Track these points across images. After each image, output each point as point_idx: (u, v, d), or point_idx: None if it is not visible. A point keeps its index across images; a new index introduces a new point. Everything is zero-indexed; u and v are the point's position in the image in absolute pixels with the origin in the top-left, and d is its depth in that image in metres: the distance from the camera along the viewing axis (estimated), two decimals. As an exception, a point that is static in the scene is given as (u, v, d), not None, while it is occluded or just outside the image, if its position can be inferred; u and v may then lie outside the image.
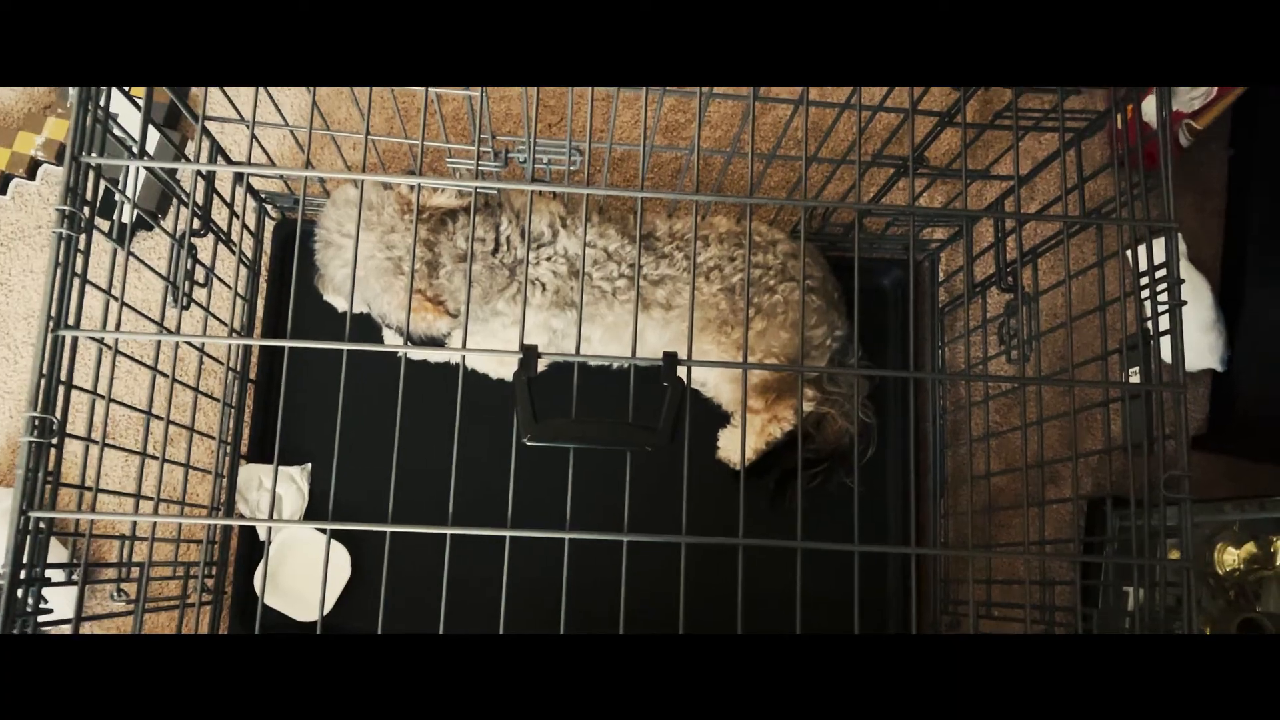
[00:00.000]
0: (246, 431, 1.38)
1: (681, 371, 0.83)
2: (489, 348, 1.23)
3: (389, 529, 0.85)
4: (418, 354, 1.37)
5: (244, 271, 1.41)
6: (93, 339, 0.87)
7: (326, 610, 1.30)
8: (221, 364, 1.30)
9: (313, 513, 1.35)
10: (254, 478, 1.34)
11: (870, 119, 0.99)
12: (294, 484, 1.35)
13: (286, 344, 0.86)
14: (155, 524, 0.95)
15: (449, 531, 0.84)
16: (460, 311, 1.26)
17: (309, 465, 1.36)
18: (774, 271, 1.31)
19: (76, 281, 0.90)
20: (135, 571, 1.10)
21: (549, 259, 1.26)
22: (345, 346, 0.86)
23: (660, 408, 0.82)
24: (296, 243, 1.40)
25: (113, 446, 1.06)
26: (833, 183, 1.42)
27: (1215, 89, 1.32)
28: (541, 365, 0.84)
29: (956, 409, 1.46)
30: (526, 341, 0.97)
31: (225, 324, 1.32)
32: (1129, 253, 1.44)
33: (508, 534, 0.84)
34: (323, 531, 1.32)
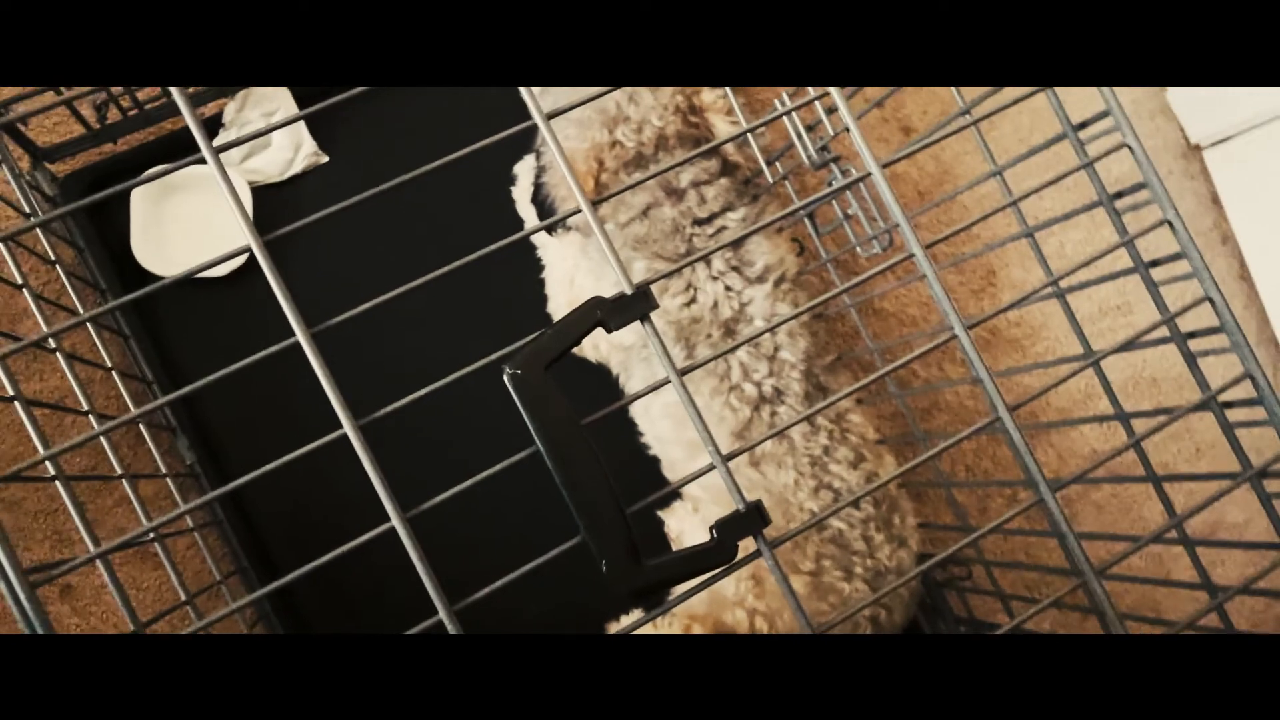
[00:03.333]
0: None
1: (744, 547, 0.48)
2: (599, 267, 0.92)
3: (296, 328, 0.50)
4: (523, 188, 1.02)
5: None
6: None
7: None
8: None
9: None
10: (274, 105, 1.01)
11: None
12: (298, 150, 1.01)
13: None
14: None
15: (332, 401, 0.48)
16: (601, 210, 0.93)
17: (327, 160, 1.03)
18: (877, 562, 0.95)
19: None
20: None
21: (727, 290, 0.93)
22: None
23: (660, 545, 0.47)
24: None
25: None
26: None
27: None
28: (622, 335, 0.50)
29: None
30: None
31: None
32: None
33: (363, 460, 0.49)
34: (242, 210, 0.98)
